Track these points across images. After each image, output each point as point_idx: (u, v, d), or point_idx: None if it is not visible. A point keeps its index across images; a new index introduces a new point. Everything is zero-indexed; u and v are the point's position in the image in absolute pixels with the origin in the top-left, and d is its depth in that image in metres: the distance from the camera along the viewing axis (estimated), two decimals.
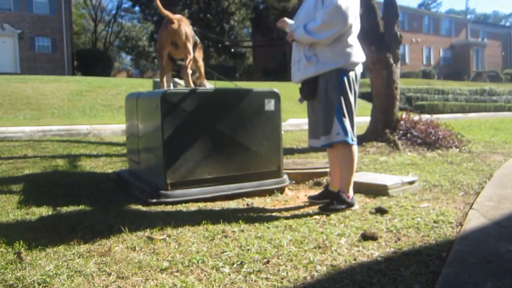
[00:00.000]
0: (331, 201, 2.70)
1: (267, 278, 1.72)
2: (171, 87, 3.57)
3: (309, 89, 2.71)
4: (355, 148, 2.70)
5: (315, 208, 2.75)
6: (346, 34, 2.60)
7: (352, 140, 2.66)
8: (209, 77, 3.91)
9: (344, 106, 2.62)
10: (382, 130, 5.73)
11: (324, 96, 2.64)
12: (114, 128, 8.66)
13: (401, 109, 6.61)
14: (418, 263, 1.85)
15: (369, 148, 5.42)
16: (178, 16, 3.21)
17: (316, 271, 1.78)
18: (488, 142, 6.48)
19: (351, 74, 2.65)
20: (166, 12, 3.07)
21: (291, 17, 3.01)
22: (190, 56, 3.17)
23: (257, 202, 3.01)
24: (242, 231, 2.29)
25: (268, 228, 2.36)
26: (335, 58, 2.60)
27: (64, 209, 2.78)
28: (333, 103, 2.61)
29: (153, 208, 2.79)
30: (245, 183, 3.13)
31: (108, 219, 2.51)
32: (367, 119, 6.21)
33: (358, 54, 2.67)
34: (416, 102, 17.74)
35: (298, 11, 2.84)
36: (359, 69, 2.72)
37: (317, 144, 2.81)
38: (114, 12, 39.47)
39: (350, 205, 2.70)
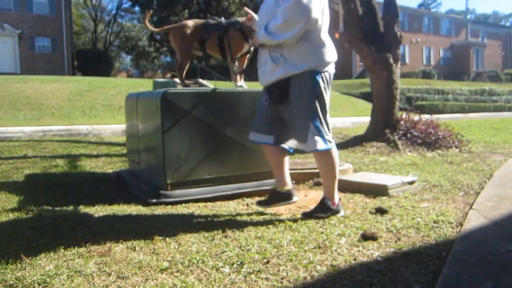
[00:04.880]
0: (315, 209, 2.55)
1: (267, 278, 1.72)
2: (172, 88, 3.57)
3: (280, 92, 2.41)
4: (334, 151, 2.49)
5: None
6: (314, 31, 2.34)
7: (329, 143, 2.44)
8: (209, 77, 3.92)
9: (320, 111, 2.40)
10: (382, 130, 5.73)
11: (298, 102, 2.39)
12: (114, 128, 8.66)
13: (401, 109, 6.61)
14: (418, 263, 1.85)
15: (369, 148, 5.42)
16: (177, 24, 3.47)
17: (316, 271, 1.78)
18: (488, 142, 6.48)
19: (325, 75, 2.41)
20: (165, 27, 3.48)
21: None
22: (179, 61, 3.34)
23: None
24: (242, 231, 2.29)
25: (268, 228, 2.36)
26: (304, 59, 2.35)
27: (64, 209, 2.78)
28: (308, 109, 2.38)
29: (153, 208, 2.79)
30: (245, 183, 3.13)
31: (108, 219, 2.51)
32: (367, 119, 6.21)
33: (329, 53, 2.42)
34: (416, 102, 17.73)
35: (260, 9, 2.56)
36: (332, 69, 2.47)
37: (272, 143, 2.58)
38: (114, 12, 39.49)
39: (335, 212, 2.55)
